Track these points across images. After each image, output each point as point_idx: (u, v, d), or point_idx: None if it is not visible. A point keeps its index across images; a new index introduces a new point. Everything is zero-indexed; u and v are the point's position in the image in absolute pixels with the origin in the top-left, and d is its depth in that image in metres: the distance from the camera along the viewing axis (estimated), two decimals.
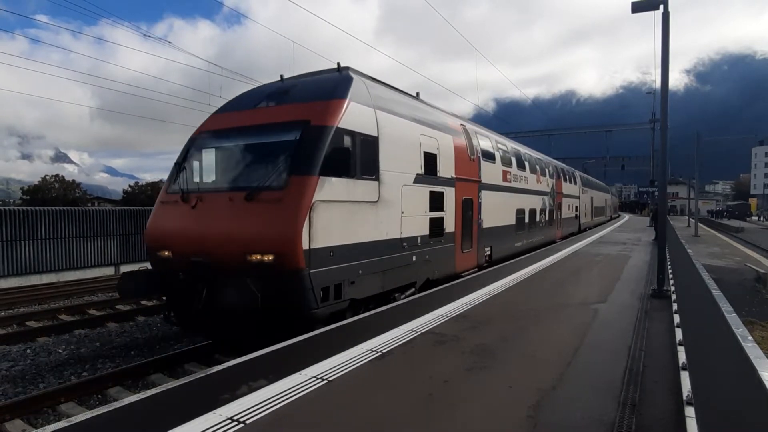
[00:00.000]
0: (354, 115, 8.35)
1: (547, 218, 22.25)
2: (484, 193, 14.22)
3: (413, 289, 10.25)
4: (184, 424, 3.99)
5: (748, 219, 78.66)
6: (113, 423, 4.10)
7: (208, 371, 5.29)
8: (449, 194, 11.71)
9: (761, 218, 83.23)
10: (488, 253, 14.85)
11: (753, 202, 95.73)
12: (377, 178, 8.75)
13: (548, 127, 72.55)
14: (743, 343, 2.66)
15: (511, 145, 18.36)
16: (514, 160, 17.60)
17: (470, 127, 14.12)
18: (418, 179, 10.24)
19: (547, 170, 22.86)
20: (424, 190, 10.53)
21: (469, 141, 13.40)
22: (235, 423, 4.03)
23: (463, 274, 12.51)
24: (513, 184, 17.22)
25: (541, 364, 5.67)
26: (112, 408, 4.32)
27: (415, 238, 10.12)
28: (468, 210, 13.05)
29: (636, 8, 10.49)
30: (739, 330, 2.95)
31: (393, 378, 5.21)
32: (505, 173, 16.33)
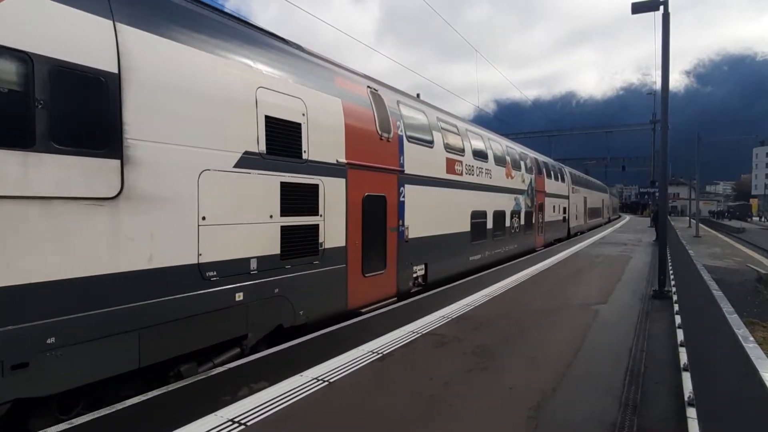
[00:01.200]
0: (22, 14, 4.12)
1: (522, 223, 18.14)
2: (410, 189, 10.21)
3: (237, 350, 6.12)
4: (184, 426, 3.99)
5: (749, 219, 78.58)
6: (115, 424, 4.10)
7: (209, 373, 5.30)
8: (333, 189, 7.79)
9: (762, 219, 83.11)
10: (420, 273, 10.78)
11: (754, 202, 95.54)
12: (119, 154, 4.68)
13: (549, 128, 72.56)
14: (744, 344, 2.66)
15: (464, 126, 14.20)
16: (468, 146, 13.45)
17: (387, 93, 10.15)
18: (252, 162, 6.20)
19: (522, 163, 18.62)
20: (268, 181, 6.50)
21: (381, 112, 9.41)
22: (236, 425, 4.03)
23: (363, 311, 8.50)
24: (466, 179, 13.15)
25: (542, 365, 5.67)
26: (114, 410, 4.32)
27: (243, 261, 6.10)
28: (377, 213, 9.12)
29: (636, 9, 10.51)
30: (741, 331, 2.95)
31: (394, 379, 5.21)
32: (451, 163, 12.33)
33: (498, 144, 16.71)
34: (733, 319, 3.29)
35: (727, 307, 3.70)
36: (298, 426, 4.09)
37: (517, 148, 19.49)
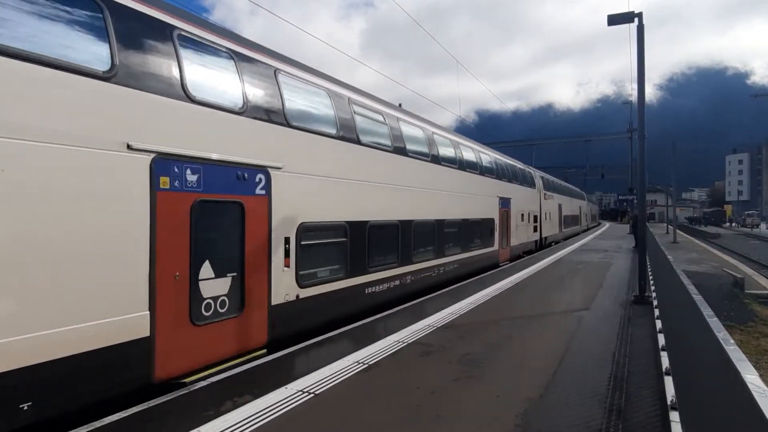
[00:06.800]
0: None
1: None
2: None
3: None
4: None
5: (724, 225, 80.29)
6: None
7: (191, 388, 5.19)
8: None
9: (734, 224, 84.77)
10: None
11: (728, 208, 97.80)
12: None
13: (529, 138, 73.59)
14: (725, 347, 2.71)
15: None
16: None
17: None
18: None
19: None
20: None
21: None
22: None
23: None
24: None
25: (528, 372, 5.69)
26: (93, 427, 4.19)
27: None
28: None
29: (612, 21, 10.77)
30: (721, 334, 3.01)
31: (380, 390, 5.17)
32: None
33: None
34: (714, 323, 3.35)
35: (706, 311, 3.77)
36: None
37: None
